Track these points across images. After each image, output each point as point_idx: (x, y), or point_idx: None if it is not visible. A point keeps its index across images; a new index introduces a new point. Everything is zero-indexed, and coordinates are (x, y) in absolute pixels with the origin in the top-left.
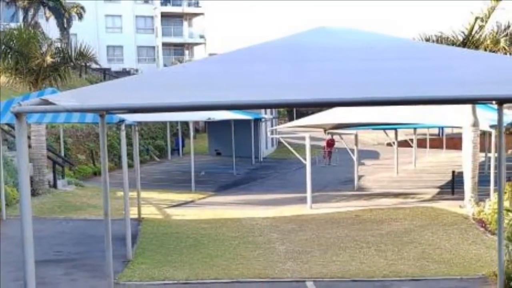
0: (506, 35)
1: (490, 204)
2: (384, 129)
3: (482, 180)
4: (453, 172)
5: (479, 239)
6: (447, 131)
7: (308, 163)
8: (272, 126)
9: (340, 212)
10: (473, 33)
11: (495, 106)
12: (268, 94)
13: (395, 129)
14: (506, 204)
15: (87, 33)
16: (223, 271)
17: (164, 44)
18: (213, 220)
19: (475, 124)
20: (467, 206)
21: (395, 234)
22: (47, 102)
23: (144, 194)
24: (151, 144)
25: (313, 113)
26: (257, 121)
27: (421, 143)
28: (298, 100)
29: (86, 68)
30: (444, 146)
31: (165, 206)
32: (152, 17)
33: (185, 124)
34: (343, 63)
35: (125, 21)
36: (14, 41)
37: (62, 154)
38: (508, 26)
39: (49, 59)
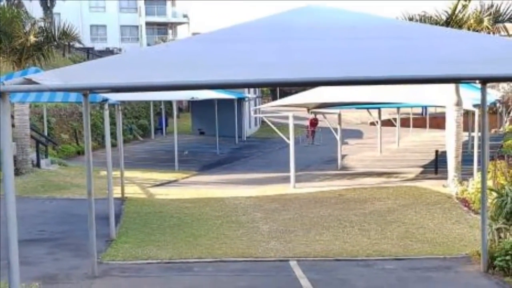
0: (490, 14)
1: (474, 184)
2: (367, 108)
3: (466, 160)
4: (437, 151)
5: (463, 219)
6: (431, 110)
7: (291, 142)
8: (255, 105)
9: (324, 192)
10: (456, 12)
11: (479, 86)
12: (251, 74)
13: (379, 108)
14: (489, 183)
15: (71, 13)
16: (207, 251)
17: (147, 24)
18: (196, 200)
19: (459, 103)
20: (450, 186)
21: (379, 213)
22: (30, 82)
23: (127, 174)
24: (134, 123)
25: (296, 92)
26: (241, 100)
27: (405, 123)
28: (281, 79)
29: (70, 48)
30: (428, 125)
31: (149, 186)
32: None
33: (169, 103)
34: (327, 42)
35: (108, 1)
36: None
37: (46, 133)
38: (492, 6)
39: (32, 39)
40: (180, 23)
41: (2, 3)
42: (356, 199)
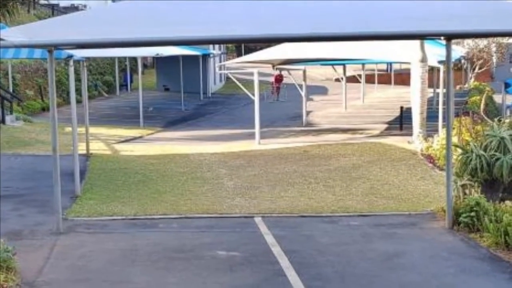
0: None
1: (439, 140)
2: (332, 64)
3: (431, 116)
4: (402, 107)
5: (428, 175)
6: (396, 66)
7: (256, 98)
8: (220, 61)
9: (289, 148)
10: None
11: (444, 42)
12: (216, 30)
13: (344, 64)
14: (454, 139)
15: None
16: (172, 207)
17: None
18: (161, 156)
19: (424, 59)
20: (415, 142)
21: (344, 169)
22: None
23: (92, 130)
24: (99, 79)
25: (261, 49)
26: (206, 56)
27: (370, 79)
28: (245, 35)
29: (35, 4)
30: (393, 81)
31: (114, 142)
32: None
33: (134, 59)
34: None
35: None
36: None
37: (11, 89)
38: None
39: None
40: None
41: None
42: (321, 155)
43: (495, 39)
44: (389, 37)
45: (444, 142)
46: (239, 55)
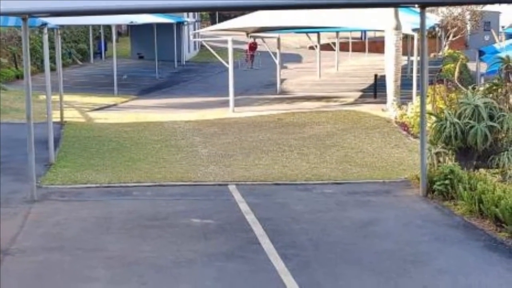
0: None
1: (413, 108)
2: (306, 32)
3: (405, 84)
4: (376, 75)
5: (402, 143)
6: (370, 34)
7: (230, 66)
8: (194, 29)
9: (263, 116)
10: None
11: (418, 10)
12: None
13: (318, 32)
14: (428, 107)
15: None
16: (146, 175)
17: None
18: (135, 124)
19: (398, 27)
20: (389, 110)
21: (318, 137)
22: None
23: (66, 98)
24: (73, 47)
25: (236, 16)
26: (180, 24)
27: (344, 47)
28: (219, 3)
29: None
30: (367, 49)
31: (88, 110)
32: None
33: (108, 27)
34: None
35: None
36: None
37: None
38: None
39: None
40: None
41: None
42: (295, 123)
43: (469, 7)
44: (364, 5)
45: (418, 110)
46: (213, 23)
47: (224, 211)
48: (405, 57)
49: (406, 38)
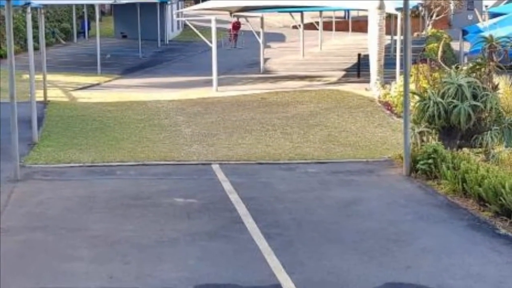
0: None
1: (396, 87)
2: (290, 12)
3: (388, 63)
4: (359, 55)
5: (385, 122)
6: (353, 14)
7: (214, 46)
8: (178, 8)
9: (246, 95)
10: None
11: None
12: None
13: (301, 12)
14: (412, 87)
15: None
16: (129, 154)
17: None
18: (119, 103)
19: (381, 6)
20: (373, 89)
21: (301, 117)
22: None
23: (50, 77)
24: (57, 27)
25: None
26: (163, 3)
27: (327, 26)
28: None
29: None
30: (350, 29)
31: (71, 89)
32: None
33: (91, 6)
34: None
35: None
36: None
37: None
38: None
39: None
40: None
41: None
42: (279, 102)
43: None
44: None
45: (401, 89)
46: (197, 2)
47: (208, 190)
48: (389, 37)
49: (390, 17)
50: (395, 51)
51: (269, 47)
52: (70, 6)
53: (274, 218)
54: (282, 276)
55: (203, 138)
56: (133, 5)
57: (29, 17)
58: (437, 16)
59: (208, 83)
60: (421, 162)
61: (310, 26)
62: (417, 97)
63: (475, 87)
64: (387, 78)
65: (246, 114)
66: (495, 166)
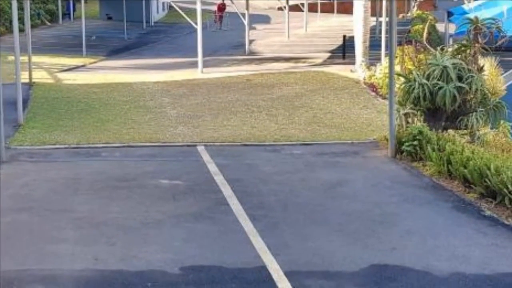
0: None
1: (381, 69)
2: None
3: (373, 45)
4: (344, 36)
5: (370, 104)
6: None
7: (199, 27)
8: None
9: (231, 77)
10: None
11: None
12: None
13: None
14: (397, 68)
15: None
16: (114, 135)
17: None
18: (104, 85)
19: None
20: (358, 71)
21: (286, 98)
22: None
23: (35, 59)
24: (42, 8)
25: None
26: None
27: (312, 8)
28: None
29: None
30: (335, 10)
31: (56, 71)
32: None
33: None
34: None
35: None
36: None
37: None
38: None
39: None
40: None
41: None
42: (264, 84)
43: None
44: None
45: (386, 70)
46: None
47: (193, 172)
48: (374, 18)
49: None
50: (380, 32)
51: (254, 28)
52: None
53: (260, 199)
54: (268, 258)
55: (189, 119)
56: None
57: None
58: None
59: (194, 64)
60: (406, 143)
61: (296, 8)
62: (402, 79)
63: (460, 69)
64: (372, 59)
65: (232, 95)
66: (480, 147)
